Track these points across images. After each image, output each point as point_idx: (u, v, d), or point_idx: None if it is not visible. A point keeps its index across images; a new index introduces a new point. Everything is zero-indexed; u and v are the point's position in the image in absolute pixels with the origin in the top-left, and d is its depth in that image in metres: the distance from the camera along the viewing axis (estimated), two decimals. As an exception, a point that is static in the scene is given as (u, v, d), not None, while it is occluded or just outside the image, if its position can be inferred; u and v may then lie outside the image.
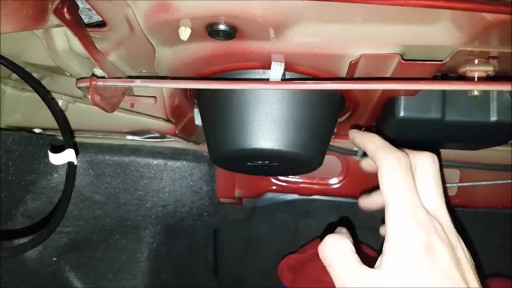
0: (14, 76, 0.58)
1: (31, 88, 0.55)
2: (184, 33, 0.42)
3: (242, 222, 1.10)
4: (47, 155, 0.60)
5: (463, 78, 0.48)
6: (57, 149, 0.57)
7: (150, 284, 0.91)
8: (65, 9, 0.41)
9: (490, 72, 0.47)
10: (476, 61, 0.46)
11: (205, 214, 0.92)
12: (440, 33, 0.42)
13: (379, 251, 0.39)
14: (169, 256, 0.95)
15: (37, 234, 0.48)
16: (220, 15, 0.40)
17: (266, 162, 0.57)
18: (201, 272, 1.08)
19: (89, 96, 0.48)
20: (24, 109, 0.67)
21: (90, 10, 0.44)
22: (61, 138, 0.58)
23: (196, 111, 0.67)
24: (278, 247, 1.08)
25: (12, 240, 0.74)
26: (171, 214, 0.88)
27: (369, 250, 0.89)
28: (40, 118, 0.68)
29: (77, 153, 0.58)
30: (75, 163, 0.58)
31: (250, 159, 0.56)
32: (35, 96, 0.55)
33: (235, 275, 1.17)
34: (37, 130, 0.73)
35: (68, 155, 0.57)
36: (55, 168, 0.76)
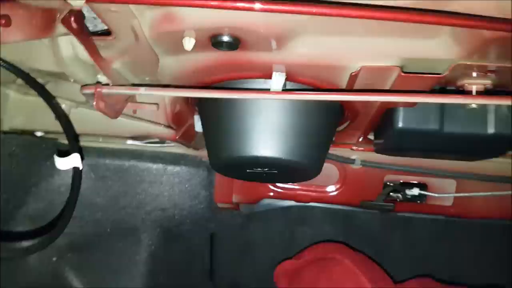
0: (19, 81, 0.58)
1: (33, 92, 0.56)
2: (188, 43, 0.42)
3: (239, 227, 1.10)
4: (49, 158, 0.60)
5: (462, 91, 0.49)
6: (62, 153, 0.58)
7: (147, 287, 0.91)
8: (72, 18, 0.41)
9: (488, 85, 0.48)
10: (474, 75, 0.47)
11: (203, 218, 0.92)
12: (440, 47, 0.43)
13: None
14: (167, 260, 0.95)
15: (44, 236, 0.49)
16: (224, 27, 0.41)
17: (266, 169, 0.58)
18: (198, 276, 1.08)
19: (94, 103, 0.48)
20: (26, 113, 0.68)
21: (95, 18, 0.45)
22: (63, 141, 0.58)
23: (196, 118, 0.67)
24: (273, 253, 1.08)
25: (14, 241, 0.74)
26: (169, 218, 0.89)
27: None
28: (42, 122, 0.68)
29: (82, 158, 0.59)
30: (81, 168, 0.58)
31: (250, 166, 0.57)
32: (38, 100, 0.56)
33: (231, 280, 1.17)
34: (38, 133, 0.73)
35: (73, 160, 0.57)
36: (57, 171, 0.76)
